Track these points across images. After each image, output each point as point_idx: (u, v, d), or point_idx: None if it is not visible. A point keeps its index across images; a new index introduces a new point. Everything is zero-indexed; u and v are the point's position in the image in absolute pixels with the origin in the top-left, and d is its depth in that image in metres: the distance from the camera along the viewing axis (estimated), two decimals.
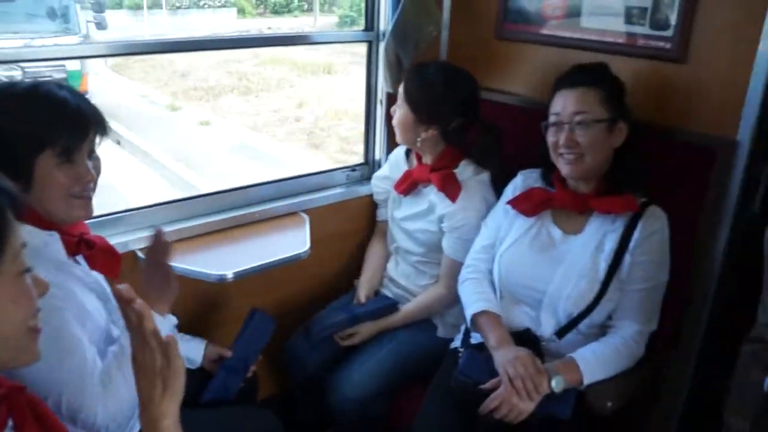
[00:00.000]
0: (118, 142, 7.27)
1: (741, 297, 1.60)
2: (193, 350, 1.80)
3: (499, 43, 2.23)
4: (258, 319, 1.86)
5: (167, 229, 1.88)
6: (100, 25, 7.65)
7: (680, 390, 1.91)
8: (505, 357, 1.62)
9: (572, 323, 1.67)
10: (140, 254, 1.85)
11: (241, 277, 1.85)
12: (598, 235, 1.68)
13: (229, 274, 1.83)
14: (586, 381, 1.60)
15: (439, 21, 2.26)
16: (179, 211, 2.03)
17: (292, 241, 2.04)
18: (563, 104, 1.66)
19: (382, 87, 2.29)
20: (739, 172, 1.69)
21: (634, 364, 1.67)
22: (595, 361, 1.62)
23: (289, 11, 17.89)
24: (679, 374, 1.90)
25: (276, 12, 17.72)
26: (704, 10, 1.74)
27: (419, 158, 2.07)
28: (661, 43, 1.83)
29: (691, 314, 1.84)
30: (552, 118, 1.69)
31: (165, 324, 1.52)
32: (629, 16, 1.89)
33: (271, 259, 1.93)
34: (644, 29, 1.87)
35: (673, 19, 1.80)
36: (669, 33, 1.81)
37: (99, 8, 7.76)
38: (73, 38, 7.26)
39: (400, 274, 2.16)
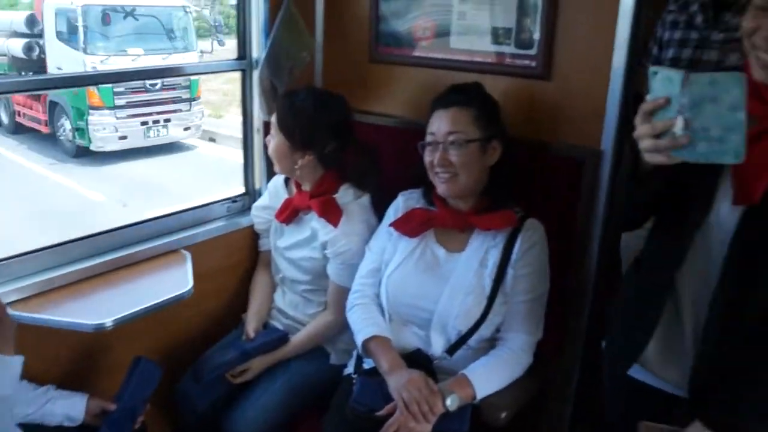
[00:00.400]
0: None
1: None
2: (73, 406, 1.68)
3: (373, 66, 2.24)
4: (143, 366, 1.76)
5: (38, 279, 1.77)
6: (221, 42, 12.19)
7: (568, 394, 1.97)
8: (399, 381, 1.60)
9: (462, 340, 1.68)
10: None
11: (122, 323, 1.74)
12: (480, 252, 1.70)
13: (108, 321, 1.71)
14: (480, 395, 1.62)
15: (312, 46, 2.25)
16: (52, 258, 1.89)
17: (174, 281, 1.94)
18: (438, 124, 1.69)
19: (259, 115, 2.24)
20: (605, 179, 1.77)
21: (524, 373, 1.70)
22: (487, 375, 1.64)
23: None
24: (565, 379, 1.95)
25: None
26: (563, 29, 1.82)
27: (298, 185, 2.03)
28: (526, 62, 1.90)
29: (572, 320, 1.90)
30: (428, 138, 1.71)
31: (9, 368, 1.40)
32: (496, 36, 1.95)
33: (153, 302, 1.82)
34: (510, 48, 1.93)
35: (536, 38, 1.87)
36: (533, 52, 1.88)
37: (220, 30, 12.34)
38: (192, 54, 8.99)
39: (287, 304, 2.11)
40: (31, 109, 8.99)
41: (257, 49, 2.22)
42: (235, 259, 2.28)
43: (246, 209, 2.32)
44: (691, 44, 2.08)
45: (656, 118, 1.05)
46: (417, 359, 1.70)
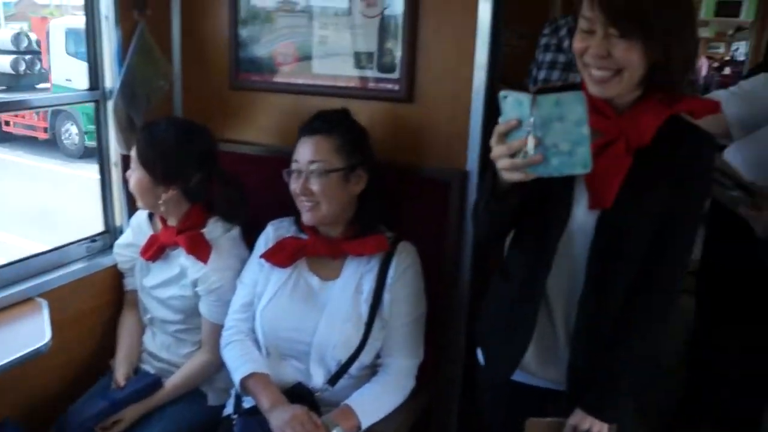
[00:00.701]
0: None
1: None
2: None
3: (234, 93, 2.17)
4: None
5: None
6: None
7: (451, 411, 2.00)
8: (281, 418, 1.55)
9: (342, 369, 1.66)
10: None
11: None
12: (355, 278, 1.69)
13: None
14: (365, 424, 1.60)
15: (170, 74, 2.15)
16: None
17: (30, 333, 1.77)
18: (302, 152, 1.67)
19: (115, 148, 2.12)
20: (472, 198, 1.81)
21: (408, 397, 1.70)
22: (370, 403, 1.63)
23: None
24: (448, 397, 1.98)
25: None
26: (423, 52, 1.85)
27: (163, 220, 1.94)
28: (389, 85, 1.92)
29: (450, 339, 1.93)
30: (293, 165, 1.68)
31: None
32: (359, 61, 1.96)
33: (6, 360, 1.66)
34: (374, 72, 1.94)
35: (397, 61, 1.89)
36: (395, 75, 1.90)
37: None
38: None
39: (159, 346, 1.99)
40: (24, 117, 10.22)
41: (111, 79, 2.09)
42: (98, 302, 2.12)
43: (107, 248, 2.17)
44: (560, 66, 2.19)
45: (510, 138, 1.12)
46: (298, 393, 1.66)
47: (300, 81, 2.05)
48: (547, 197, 1.30)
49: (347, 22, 1.95)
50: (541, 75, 2.22)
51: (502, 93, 1.11)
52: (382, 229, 1.75)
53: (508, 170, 1.14)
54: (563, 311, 1.40)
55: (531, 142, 1.09)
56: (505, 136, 1.13)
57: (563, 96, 1.07)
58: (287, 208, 1.74)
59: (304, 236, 1.75)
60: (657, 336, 1.38)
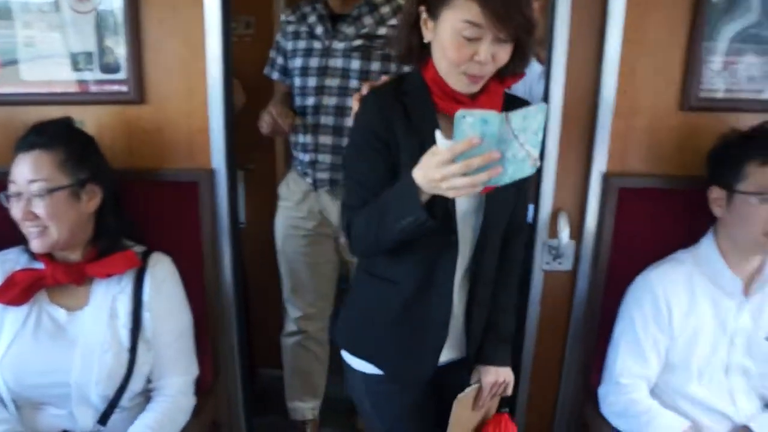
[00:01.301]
0: None
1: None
2: None
3: None
4: None
5: None
6: None
7: (237, 417, 1.97)
8: None
9: (112, 404, 1.51)
10: None
11: None
12: (107, 302, 1.54)
13: None
14: None
15: None
16: None
17: None
18: (19, 171, 1.46)
19: None
20: (223, 197, 1.76)
21: (192, 416, 1.63)
22: None
23: None
24: (233, 409, 1.94)
25: None
26: (150, 48, 1.73)
27: None
28: (116, 87, 1.77)
29: (224, 347, 1.87)
30: (10, 188, 1.47)
31: None
32: (76, 63, 1.77)
33: None
34: (96, 74, 1.77)
35: (122, 61, 1.75)
36: (122, 76, 1.76)
37: None
38: None
39: None
40: None
41: None
42: None
43: None
44: (317, 53, 2.19)
45: (466, 156, 1.12)
46: None
47: (7, 90, 1.79)
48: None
49: (56, 19, 1.74)
50: (298, 63, 2.20)
51: (460, 113, 1.10)
52: (130, 243, 1.61)
53: (466, 188, 1.15)
54: (459, 290, 1.46)
55: (496, 155, 1.12)
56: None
57: (530, 110, 1.12)
58: (12, 236, 1.52)
59: (38, 265, 1.54)
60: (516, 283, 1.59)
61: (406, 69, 2.03)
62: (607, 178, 1.73)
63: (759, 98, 1.75)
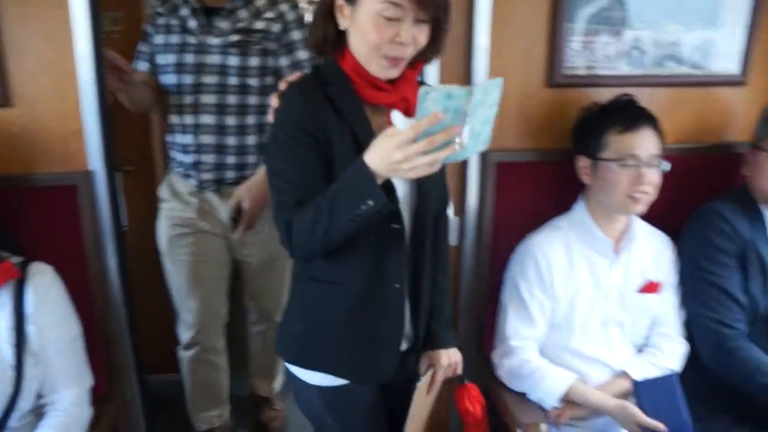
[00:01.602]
0: None
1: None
2: None
3: None
4: None
5: None
6: None
7: (137, 422, 1.93)
8: None
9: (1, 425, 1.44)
10: None
11: None
12: None
13: None
14: None
15: None
16: None
17: None
18: None
19: None
20: (103, 199, 1.71)
21: (89, 428, 1.59)
22: None
23: None
24: (132, 416, 1.90)
25: None
26: (10, 49, 1.64)
27: None
28: None
29: (117, 354, 1.83)
30: None
31: None
32: None
33: None
34: None
35: None
36: None
37: None
38: None
39: None
40: None
41: None
42: None
43: None
44: (191, 49, 2.08)
45: (429, 133, 1.09)
46: None
47: None
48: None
49: None
50: (171, 59, 2.09)
51: (423, 89, 1.08)
52: (5, 254, 1.52)
53: (428, 165, 1.13)
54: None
55: (466, 131, 1.10)
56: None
57: (488, 83, 1.12)
58: None
59: None
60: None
61: (284, 63, 2.08)
62: (485, 154, 1.81)
63: (614, 74, 1.89)
